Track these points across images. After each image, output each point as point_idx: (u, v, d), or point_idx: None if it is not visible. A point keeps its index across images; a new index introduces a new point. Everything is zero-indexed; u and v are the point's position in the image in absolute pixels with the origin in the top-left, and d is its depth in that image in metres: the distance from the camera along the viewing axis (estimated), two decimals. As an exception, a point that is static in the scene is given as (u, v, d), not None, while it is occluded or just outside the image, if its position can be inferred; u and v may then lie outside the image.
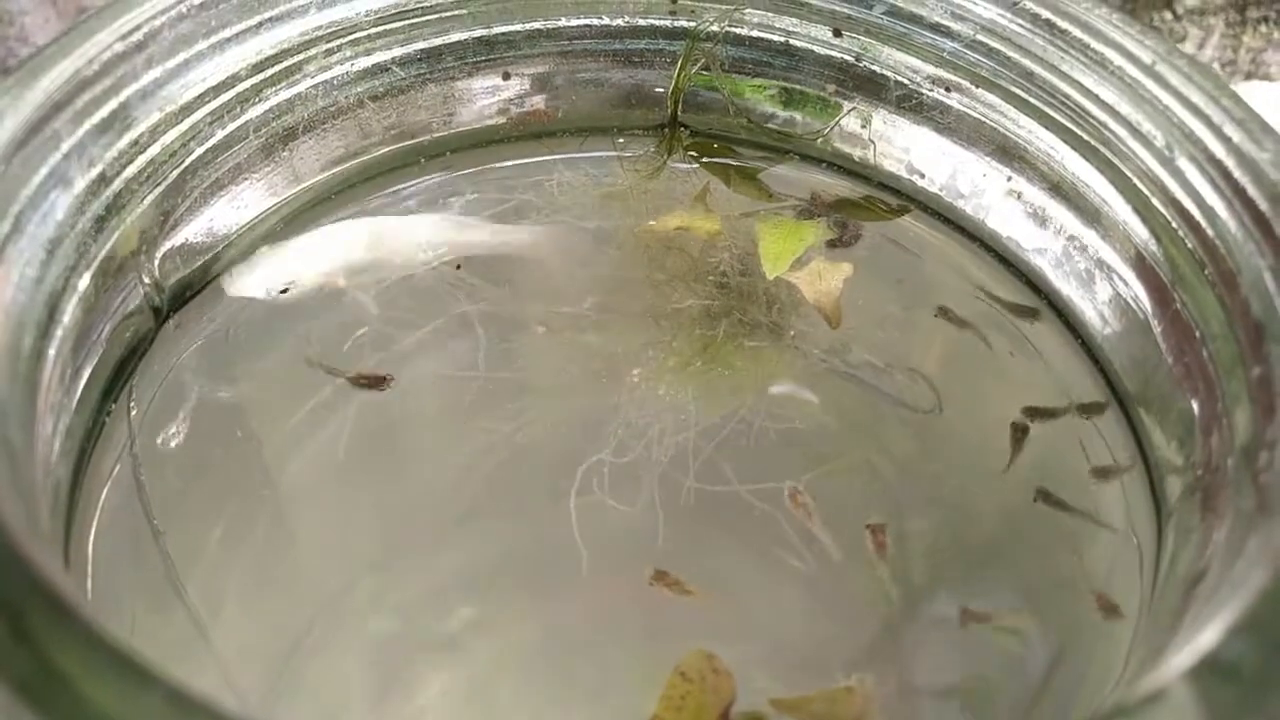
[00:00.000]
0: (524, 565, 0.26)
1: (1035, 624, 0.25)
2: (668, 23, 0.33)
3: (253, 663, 0.24)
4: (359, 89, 0.31)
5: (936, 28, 0.31)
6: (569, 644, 0.25)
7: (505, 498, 0.27)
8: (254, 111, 0.28)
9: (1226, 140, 0.25)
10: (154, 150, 0.26)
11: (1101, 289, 0.29)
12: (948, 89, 0.31)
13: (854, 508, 0.27)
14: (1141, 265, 0.27)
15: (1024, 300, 0.31)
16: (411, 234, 0.30)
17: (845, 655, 0.24)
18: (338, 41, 0.30)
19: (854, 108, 0.33)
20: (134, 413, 0.26)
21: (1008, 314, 0.30)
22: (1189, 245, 0.26)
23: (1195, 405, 0.25)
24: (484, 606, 0.25)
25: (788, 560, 0.26)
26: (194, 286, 0.28)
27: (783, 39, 0.33)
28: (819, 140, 0.33)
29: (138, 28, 0.25)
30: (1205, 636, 0.18)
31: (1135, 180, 0.27)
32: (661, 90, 0.34)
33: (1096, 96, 0.28)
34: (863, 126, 0.33)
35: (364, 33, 0.30)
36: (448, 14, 0.31)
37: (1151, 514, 0.26)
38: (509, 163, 0.33)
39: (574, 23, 0.33)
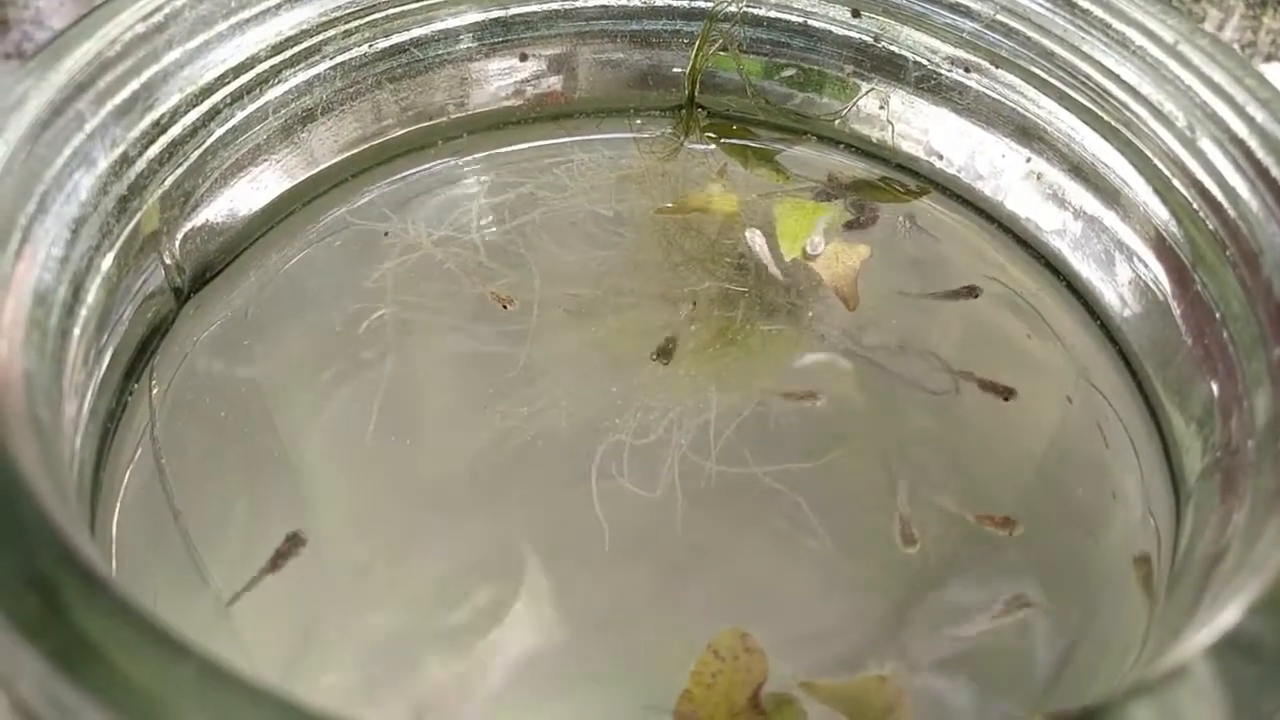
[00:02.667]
0: (545, 548, 0.26)
1: (1053, 604, 0.25)
2: (685, 3, 0.33)
3: (271, 642, 0.24)
4: (377, 70, 0.31)
5: (955, 7, 0.30)
6: (594, 623, 0.25)
7: (524, 481, 0.27)
8: (273, 93, 0.28)
9: (1249, 120, 0.25)
10: (175, 131, 0.26)
11: (1121, 270, 0.29)
12: (967, 69, 0.31)
13: (870, 490, 0.27)
14: (1162, 246, 0.27)
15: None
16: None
17: (865, 637, 0.24)
18: (356, 23, 0.30)
19: (872, 88, 0.33)
20: (155, 393, 0.26)
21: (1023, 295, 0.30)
22: (1210, 226, 0.26)
23: (1215, 387, 0.25)
24: (505, 586, 0.25)
25: (807, 543, 0.26)
26: (214, 267, 0.29)
27: (801, 19, 0.32)
28: (837, 121, 0.33)
29: (159, 9, 0.25)
30: (1226, 615, 0.18)
31: (1156, 161, 0.27)
32: (679, 71, 0.34)
33: (1117, 77, 0.28)
34: (881, 107, 0.33)
35: (382, 14, 0.30)
36: (465, -6, 0.31)
37: (1170, 496, 0.26)
38: (525, 144, 0.33)
39: (591, 3, 0.32)
